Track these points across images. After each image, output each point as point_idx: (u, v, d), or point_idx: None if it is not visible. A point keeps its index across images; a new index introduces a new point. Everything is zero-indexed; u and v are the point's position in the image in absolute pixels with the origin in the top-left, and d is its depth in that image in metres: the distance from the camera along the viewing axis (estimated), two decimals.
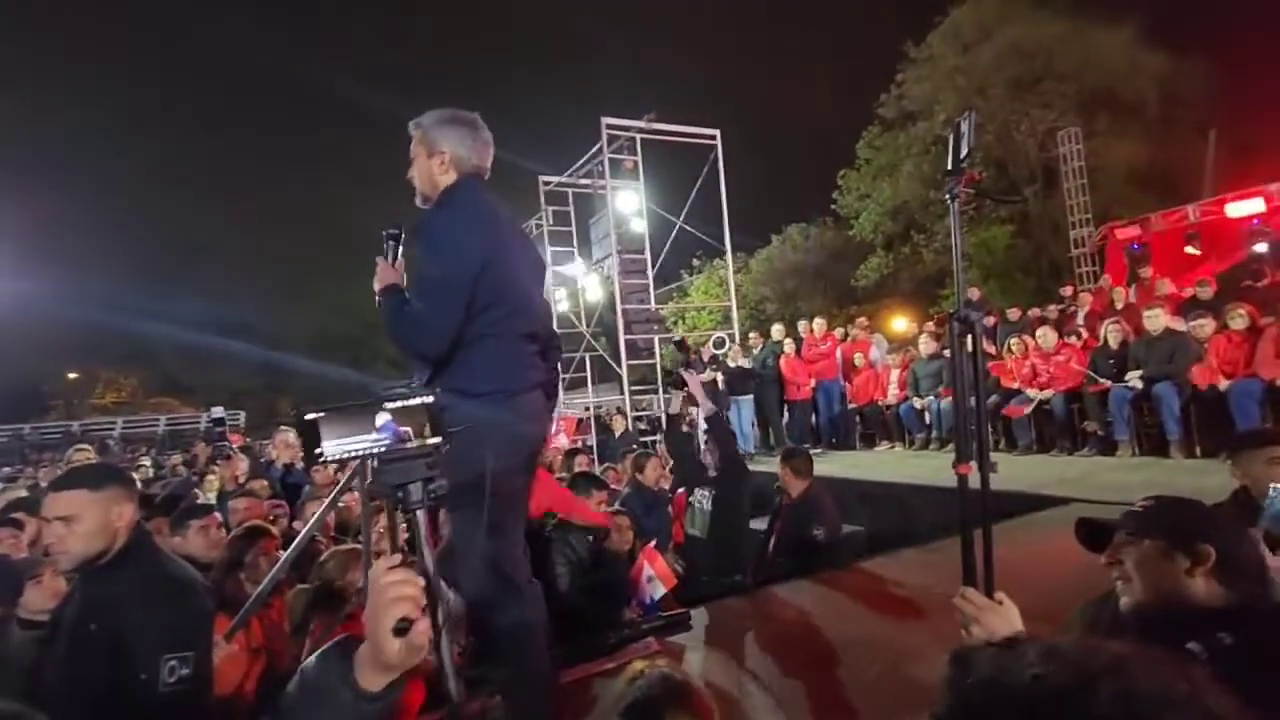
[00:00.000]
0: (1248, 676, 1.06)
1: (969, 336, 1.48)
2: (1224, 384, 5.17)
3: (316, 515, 2.08)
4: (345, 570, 2.38)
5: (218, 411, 7.40)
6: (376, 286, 1.89)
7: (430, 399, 1.29)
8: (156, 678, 1.65)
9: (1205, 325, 5.60)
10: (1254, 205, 9.30)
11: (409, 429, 1.28)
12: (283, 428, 5.66)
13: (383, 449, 1.27)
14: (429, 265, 1.82)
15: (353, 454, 1.28)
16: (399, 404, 1.28)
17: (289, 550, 2.18)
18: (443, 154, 1.95)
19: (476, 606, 1.89)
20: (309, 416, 1.26)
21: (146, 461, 10.62)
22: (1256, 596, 1.18)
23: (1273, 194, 9.16)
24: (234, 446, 6.03)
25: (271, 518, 3.70)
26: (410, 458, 1.28)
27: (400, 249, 1.94)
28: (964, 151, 1.49)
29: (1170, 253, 10.07)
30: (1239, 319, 5.35)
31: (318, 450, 1.26)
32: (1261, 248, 8.48)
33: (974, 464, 1.46)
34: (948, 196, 1.53)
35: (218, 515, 3.19)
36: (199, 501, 4.25)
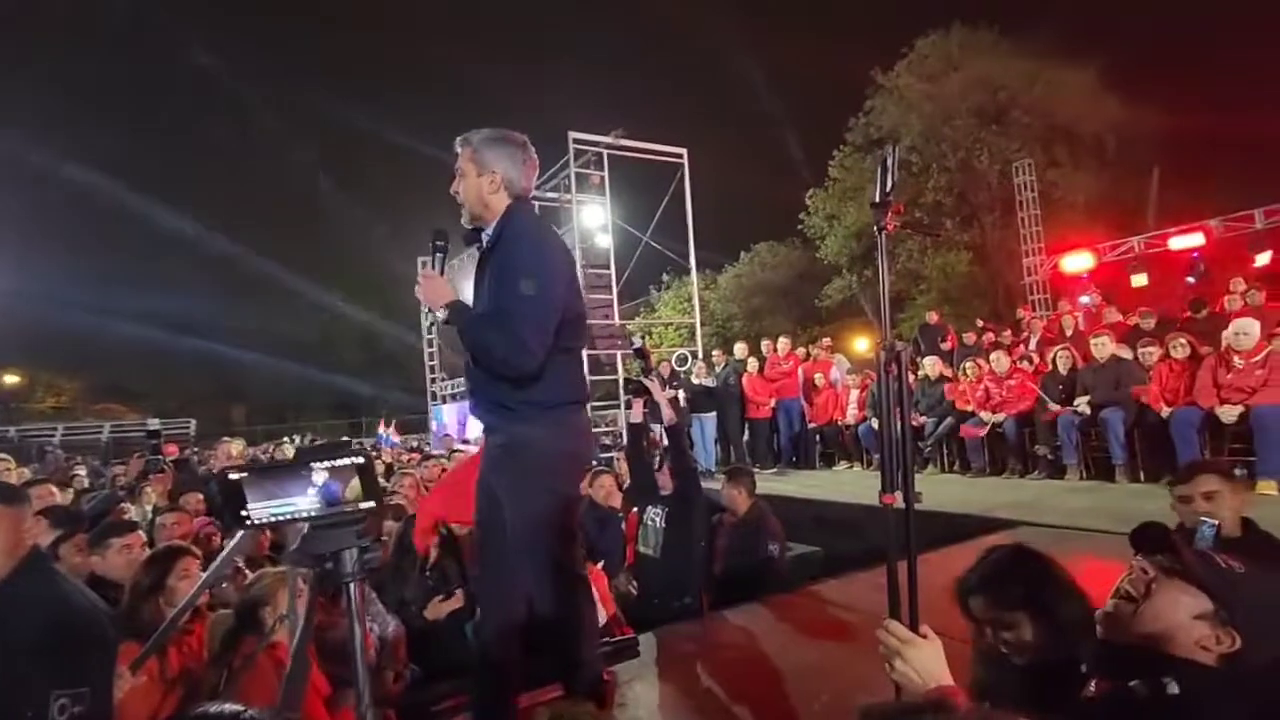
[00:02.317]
0: None
1: (895, 366, 1.46)
2: (1165, 411, 5.32)
3: (235, 540, 1.96)
4: (272, 595, 2.25)
5: (153, 423, 7.06)
6: (435, 301, 1.91)
7: (361, 460, 1.22)
8: (44, 716, 1.52)
9: (1154, 352, 5.77)
10: (1194, 239, 9.73)
11: (328, 488, 1.21)
12: (225, 439, 5.43)
13: (315, 514, 1.20)
14: (528, 285, 1.83)
15: (283, 518, 1.20)
16: (326, 464, 1.20)
17: (207, 573, 2.05)
18: (494, 174, 1.96)
19: (550, 608, 1.96)
20: (232, 476, 1.19)
21: (82, 471, 10.12)
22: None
23: (1211, 229, 9.59)
24: (167, 460, 5.72)
25: (203, 535, 3.53)
26: (341, 524, 1.21)
27: (445, 259, 1.99)
28: (890, 184, 1.50)
29: (1116, 282, 10.46)
30: (1180, 348, 5.53)
31: (244, 513, 1.18)
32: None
33: (899, 494, 1.44)
34: (875, 229, 1.53)
35: (141, 534, 3.01)
36: (130, 517, 4.03)
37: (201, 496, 4.45)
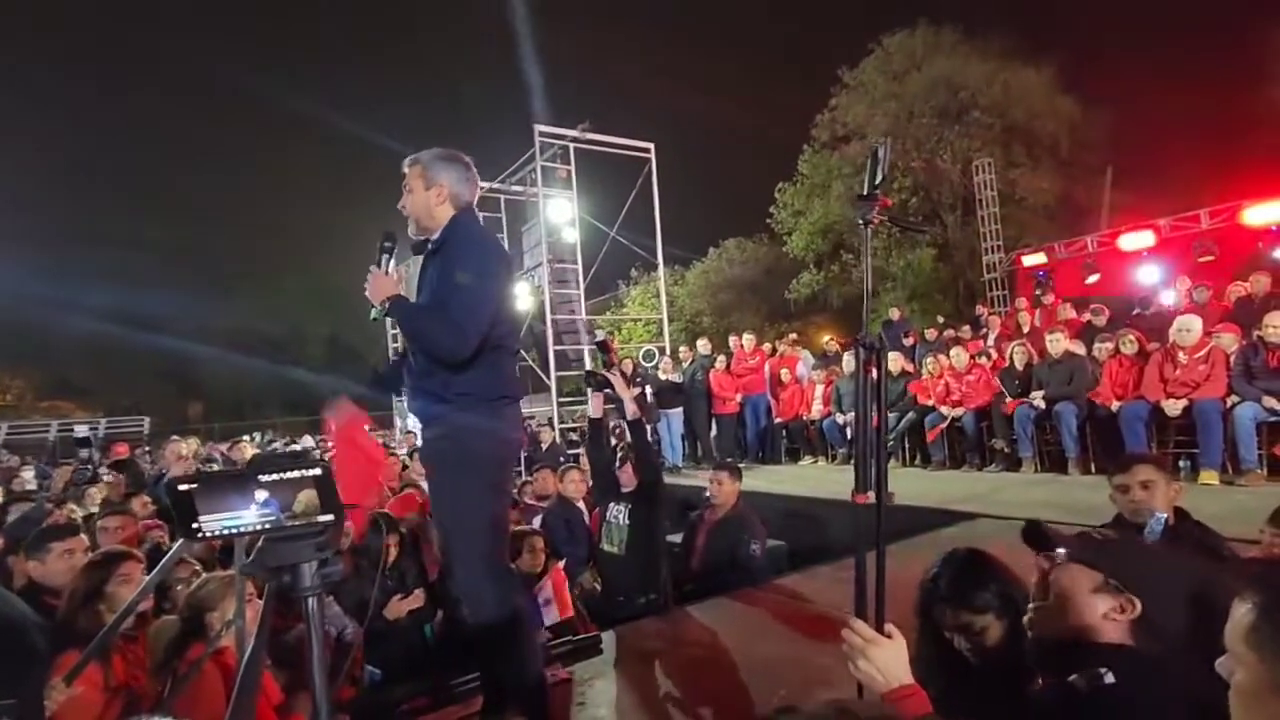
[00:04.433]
0: (1123, 715, 1.08)
1: (873, 363, 1.46)
2: (1115, 405, 5.49)
3: (176, 546, 1.89)
4: (218, 600, 2.17)
5: (82, 430, 6.76)
6: (378, 296, 2.04)
7: (318, 471, 1.19)
8: None
9: (1108, 348, 5.94)
10: (1144, 238, 10.06)
11: (281, 500, 1.18)
12: (174, 438, 5.22)
13: (269, 526, 1.17)
14: (464, 276, 1.99)
15: (235, 530, 1.17)
16: (281, 475, 1.17)
17: (149, 578, 1.97)
18: (441, 187, 2.12)
19: (482, 603, 2.02)
20: (182, 487, 1.15)
21: (28, 473, 9.71)
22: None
23: (1161, 228, 9.93)
24: (102, 466, 5.40)
25: (151, 539, 3.41)
26: (299, 537, 1.18)
27: (393, 259, 2.13)
28: (879, 177, 1.49)
29: (1071, 279, 10.76)
30: (1129, 344, 5.71)
31: (195, 525, 1.15)
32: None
33: (872, 493, 1.45)
34: (861, 222, 1.52)
35: (84, 538, 2.89)
36: (71, 519, 3.85)
37: (149, 499, 4.27)
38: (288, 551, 1.18)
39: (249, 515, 1.16)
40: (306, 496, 1.18)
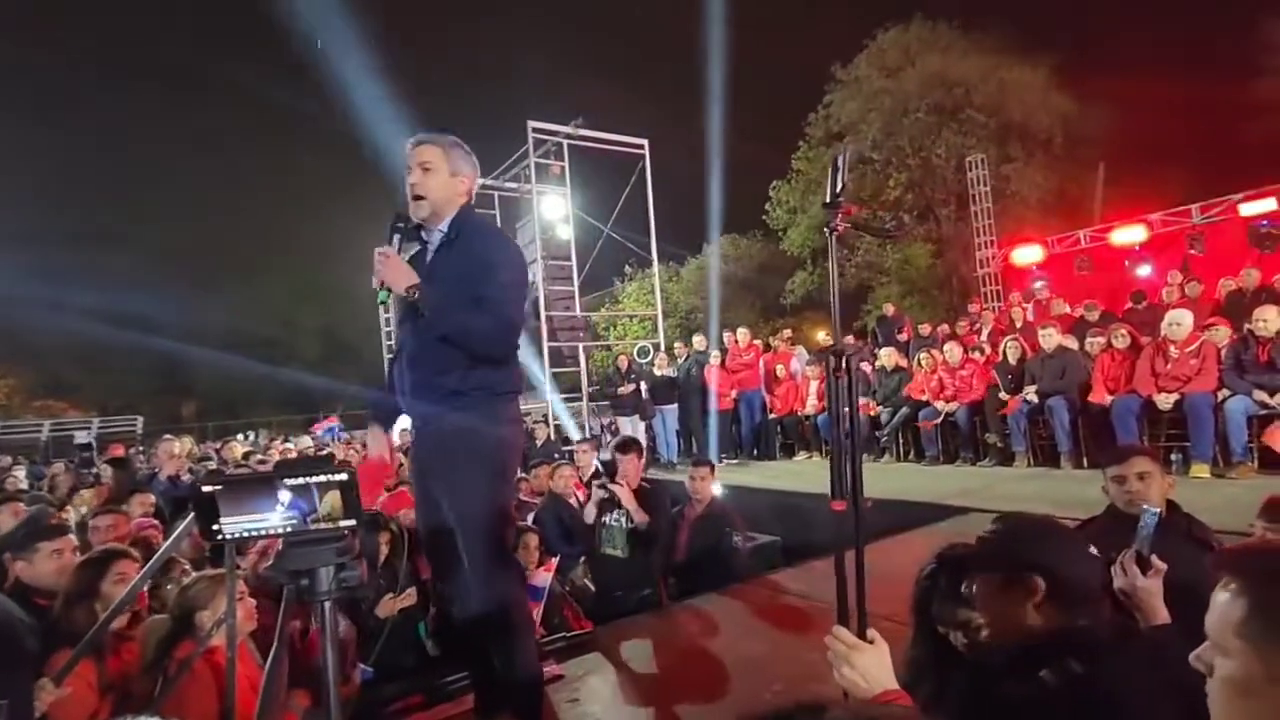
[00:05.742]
0: (1100, 703, 1.10)
1: (844, 371, 1.46)
2: (1108, 399, 5.51)
3: (171, 538, 1.88)
4: (209, 599, 2.16)
5: (82, 436, 6.76)
6: (399, 282, 1.89)
7: (345, 476, 1.19)
8: None
9: (1100, 343, 5.97)
10: (1136, 233, 10.09)
11: (305, 504, 1.17)
12: (167, 436, 5.18)
13: (290, 530, 1.17)
14: (504, 273, 1.97)
15: (257, 533, 1.17)
16: (305, 479, 1.16)
17: (138, 576, 1.96)
18: (466, 178, 2.09)
19: (482, 597, 2.00)
20: (205, 489, 1.15)
21: (20, 472, 9.66)
22: (1097, 619, 1.23)
23: (1153, 223, 9.97)
24: (100, 468, 5.38)
25: (142, 538, 3.38)
26: (318, 541, 1.18)
27: (403, 240, 2.01)
28: (840, 186, 1.49)
29: (1064, 274, 10.80)
30: (1121, 338, 5.73)
31: (215, 527, 1.15)
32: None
33: (848, 500, 1.45)
34: (826, 230, 1.52)
35: (72, 538, 2.87)
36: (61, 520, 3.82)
37: (152, 498, 4.25)
38: (307, 556, 1.19)
39: (272, 519, 1.16)
40: (332, 499, 1.18)
